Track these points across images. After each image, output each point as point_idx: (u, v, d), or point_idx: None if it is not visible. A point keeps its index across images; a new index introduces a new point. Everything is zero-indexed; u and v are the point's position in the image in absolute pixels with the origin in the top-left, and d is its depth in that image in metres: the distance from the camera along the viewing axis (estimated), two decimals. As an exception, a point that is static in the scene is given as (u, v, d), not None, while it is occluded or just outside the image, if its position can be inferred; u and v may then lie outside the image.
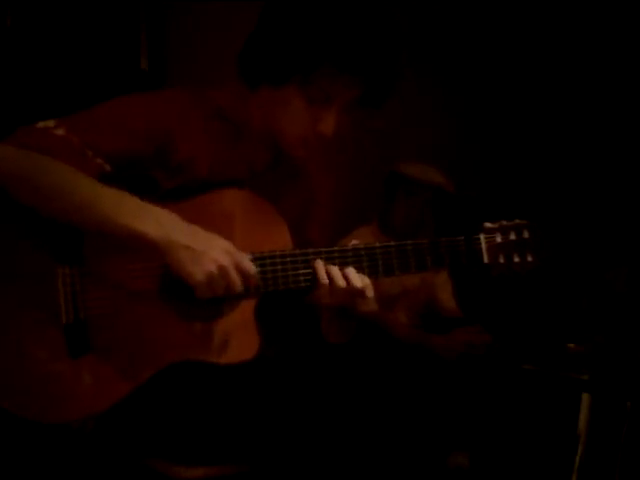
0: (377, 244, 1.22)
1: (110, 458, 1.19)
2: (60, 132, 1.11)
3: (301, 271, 1.18)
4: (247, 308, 1.19)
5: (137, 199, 1.08)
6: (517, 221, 1.26)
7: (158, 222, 1.07)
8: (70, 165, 1.08)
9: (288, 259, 1.18)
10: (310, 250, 1.19)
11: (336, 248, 1.20)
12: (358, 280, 1.17)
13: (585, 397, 2.01)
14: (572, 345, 2.23)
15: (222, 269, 1.07)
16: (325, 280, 1.17)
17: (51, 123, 1.12)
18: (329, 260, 1.19)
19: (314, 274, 1.18)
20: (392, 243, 1.22)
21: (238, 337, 1.18)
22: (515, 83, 3.05)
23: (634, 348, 2.14)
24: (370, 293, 1.19)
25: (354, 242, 1.22)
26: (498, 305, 2.63)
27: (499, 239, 1.25)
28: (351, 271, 1.18)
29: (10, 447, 1.15)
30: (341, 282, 1.17)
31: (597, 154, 2.89)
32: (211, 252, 1.07)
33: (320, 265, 1.18)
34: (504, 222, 1.26)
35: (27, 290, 1.10)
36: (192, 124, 1.20)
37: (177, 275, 1.08)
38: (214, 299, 1.12)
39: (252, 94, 1.24)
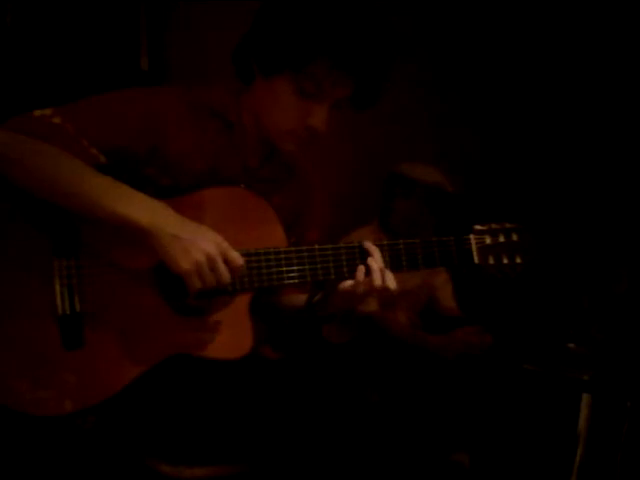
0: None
1: (110, 455, 1.19)
2: (56, 120, 1.11)
3: (284, 269, 1.18)
4: (241, 304, 1.19)
5: (127, 186, 1.08)
6: (506, 224, 1.29)
7: (147, 209, 1.07)
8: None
9: (272, 257, 1.18)
10: (293, 249, 1.20)
11: (320, 246, 1.20)
12: (393, 281, 1.19)
13: (585, 397, 2.01)
14: (572, 345, 2.24)
15: (210, 259, 1.07)
16: (362, 276, 1.18)
17: (48, 111, 1.12)
18: (313, 258, 1.19)
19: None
20: (384, 242, 1.23)
21: (232, 333, 1.19)
22: (514, 84, 3.05)
23: (634, 348, 2.14)
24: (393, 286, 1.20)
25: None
26: (498, 305, 2.63)
27: (488, 241, 1.27)
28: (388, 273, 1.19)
29: (10, 443, 1.14)
30: (378, 281, 1.18)
31: (597, 154, 2.89)
32: (199, 242, 1.07)
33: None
34: (493, 225, 1.29)
35: (24, 281, 1.09)
36: (185, 123, 1.21)
37: (163, 262, 1.08)
38: (207, 293, 1.12)
39: (244, 93, 1.26)
